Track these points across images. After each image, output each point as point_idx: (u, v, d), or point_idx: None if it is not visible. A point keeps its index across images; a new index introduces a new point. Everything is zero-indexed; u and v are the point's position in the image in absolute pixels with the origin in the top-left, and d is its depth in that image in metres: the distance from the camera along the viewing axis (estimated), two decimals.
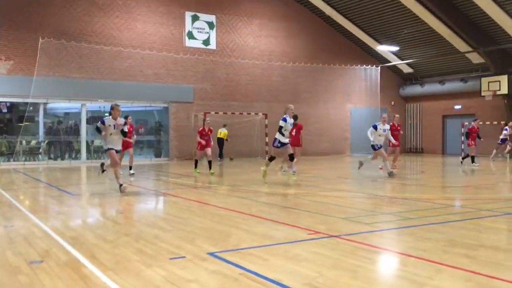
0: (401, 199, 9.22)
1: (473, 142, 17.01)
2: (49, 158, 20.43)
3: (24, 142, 19.73)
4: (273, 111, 23.85)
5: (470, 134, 17.15)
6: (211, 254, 4.87)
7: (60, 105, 22.22)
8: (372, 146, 13.32)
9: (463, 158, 17.12)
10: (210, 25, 23.09)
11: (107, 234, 5.95)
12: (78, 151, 20.88)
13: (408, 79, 28.35)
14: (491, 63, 22.38)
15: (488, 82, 22.74)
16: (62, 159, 20.52)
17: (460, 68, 25.13)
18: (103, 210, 8.45)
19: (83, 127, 20.76)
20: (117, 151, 10.06)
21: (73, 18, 20.03)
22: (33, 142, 20.40)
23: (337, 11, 24.43)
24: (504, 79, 22.08)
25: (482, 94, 22.98)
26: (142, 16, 21.55)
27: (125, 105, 21.81)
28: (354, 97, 26.88)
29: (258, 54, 24.28)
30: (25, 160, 19.44)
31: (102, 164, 10.65)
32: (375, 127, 13.28)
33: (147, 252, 5.01)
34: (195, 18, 22.70)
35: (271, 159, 12.15)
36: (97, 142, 21.68)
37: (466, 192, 10.80)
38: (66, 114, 23.60)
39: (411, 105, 28.65)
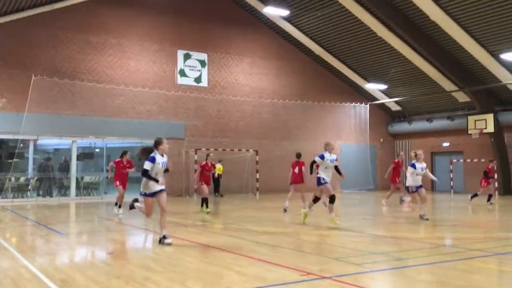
0: (392, 238, 9.23)
1: (486, 183, 17.15)
2: (38, 195, 20.21)
3: (13, 178, 19.54)
4: (264, 148, 24.07)
5: (488, 173, 17.24)
6: None
7: (50, 142, 22.18)
8: (407, 188, 12.24)
9: (488, 200, 17.15)
10: (202, 63, 23.49)
11: (97, 276, 5.88)
12: (68, 188, 20.70)
13: (396, 117, 28.81)
14: (477, 102, 22.87)
15: (475, 121, 23.13)
16: (51, 196, 20.29)
17: (447, 107, 25.63)
18: (93, 250, 8.35)
19: (73, 163, 20.66)
20: (154, 194, 8.36)
21: (66, 56, 20.29)
22: (22, 179, 20.20)
23: (327, 50, 25.03)
24: (490, 117, 22.49)
25: (469, 132, 23.33)
26: (136, 54, 21.89)
27: (116, 142, 21.94)
28: (344, 134, 27.19)
29: (249, 91, 24.64)
30: (14, 197, 19.19)
31: (136, 200, 8.94)
32: (413, 166, 12.00)
33: None
34: (187, 57, 23.10)
35: (332, 200, 10.69)
36: (87, 179, 21.54)
37: (456, 231, 10.84)
38: (56, 150, 23.53)
39: (399, 142, 28.99)
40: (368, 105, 27.20)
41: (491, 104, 22.88)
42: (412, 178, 11.88)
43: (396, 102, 27.44)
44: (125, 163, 13.64)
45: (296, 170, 14.35)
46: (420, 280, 5.58)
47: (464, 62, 21.47)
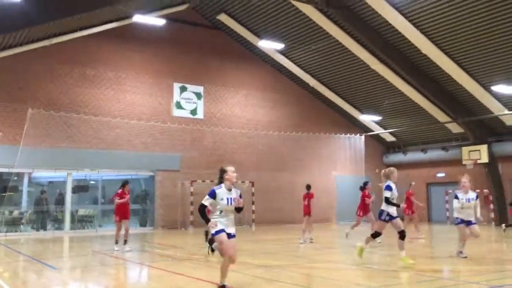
0: (390, 271, 9.16)
1: None
2: (32, 228, 19.96)
3: (6, 212, 19.33)
4: (260, 179, 24.05)
5: None
6: None
7: (45, 174, 22.05)
8: (456, 219, 10.86)
9: (506, 227, 16.85)
10: (198, 95, 23.71)
11: None
12: (62, 221, 20.47)
13: (391, 148, 28.98)
14: (470, 133, 23.10)
15: (469, 151, 23.29)
16: (45, 229, 20.05)
17: (440, 137, 25.84)
18: (86, 285, 8.23)
19: (68, 196, 20.53)
20: (229, 236, 6.93)
21: (63, 90, 20.42)
22: (16, 212, 19.98)
23: (321, 83, 25.38)
24: (483, 148, 22.66)
25: (463, 162, 23.45)
26: (132, 88, 22.06)
27: (111, 174, 21.87)
28: (339, 165, 27.24)
29: (245, 123, 24.79)
30: (7, 231, 18.93)
31: (211, 241, 7.36)
32: (456, 197, 10.78)
33: None
34: (183, 89, 23.32)
35: (376, 235, 9.83)
36: (81, 212, 21.35)
37: (454, 263, 10.77)
38: (50, 183, 23.35)
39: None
40: (363, 136, 27.39)
41: (484, 135, 23.10)
42: (458, 210, 10.60)
43: (390, 133, 27.66)
44: (126, 193, 13.32)
45: (306, 202, 14.70)
46: None
47: (456, 94, 21.80)
